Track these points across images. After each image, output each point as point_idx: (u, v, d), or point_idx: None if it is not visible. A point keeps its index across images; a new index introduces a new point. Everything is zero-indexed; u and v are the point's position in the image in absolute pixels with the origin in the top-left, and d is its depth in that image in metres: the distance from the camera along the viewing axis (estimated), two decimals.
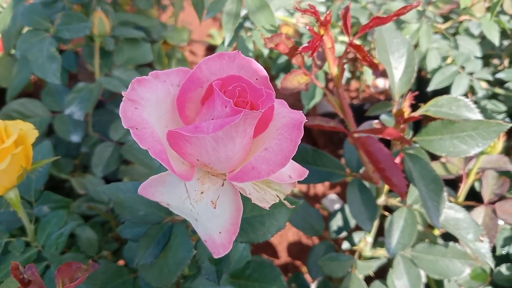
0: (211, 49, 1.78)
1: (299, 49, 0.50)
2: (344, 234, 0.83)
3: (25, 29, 0.86)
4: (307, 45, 0.48)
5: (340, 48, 0.88)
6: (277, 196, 0.37)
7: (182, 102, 0.35)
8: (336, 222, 0.83)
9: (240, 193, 0.36)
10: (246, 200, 0.36)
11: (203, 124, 0.31)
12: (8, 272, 0.56)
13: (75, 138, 0.88)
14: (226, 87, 0.33)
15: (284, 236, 1.21)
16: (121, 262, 0.76)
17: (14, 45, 0.87)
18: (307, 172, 0.39)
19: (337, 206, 1.24)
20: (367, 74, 1.07)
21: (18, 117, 0.86)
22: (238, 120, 0.30)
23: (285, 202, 0.38)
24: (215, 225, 0.35)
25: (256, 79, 0.35)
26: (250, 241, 0.45)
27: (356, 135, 0.56)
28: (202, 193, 0.35)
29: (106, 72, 0.92)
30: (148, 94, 0.34)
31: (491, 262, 0.62)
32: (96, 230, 0.73)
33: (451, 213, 0.62)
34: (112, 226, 0.78)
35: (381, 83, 1.44)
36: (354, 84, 1.45)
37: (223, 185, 0.36)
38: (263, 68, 0.35)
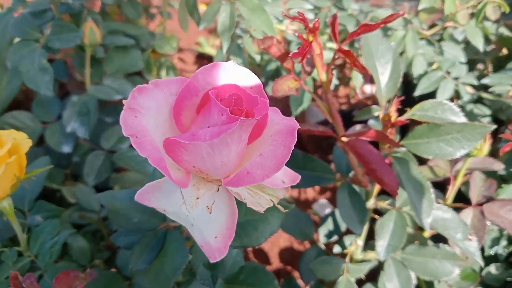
0: (200, 56, 1.79)
1: (290, 55, 0.51)
2: (335, 238, 0.84)
3: (15, 40, 0.86)
4: (297, 51, 0.49)
5: (328, 55, 0.89)
6: (271, 200, 0.38)
7: (178, 110, 0.35)
8: (327, 227, 0.84)
9: (235, 198, 0.36)
10: (239, 205, 0.37)
11: (200, 131, 0.31)
12: (1, 282, 0.56)
13: (66, 148, 0.88)
14: (222, 96, 0.34)
15: (276, 242, 1.21)
16: (112, 271, 0.76)
17: (4, 56, 0.87)
18: (299, 177, 0.40)
19: (327, 211, 1.25)
20: (356, 80, 1.09)
21: (9, 129, 0.86)
22: (234, 127, 0.31)
23: (279, 206, 0.39)
24: (211, 230, 0.36)
25: (251, 87, 0.36)
26: (244, 246, 0.45)
27: (345, 138, 0.57)
28: (197, 198, 0.36)
29: (96, 81, 0.92)
30: (148, 103, 0.34)
31: (480, 260, 0.63)
32: (87, 239, 0.73)
33: (439, 213, 0.63)
34: (104, 235, 0.79)
35: (368, 89, 1.46)
36: (342, 91, 1.47)
37: (218, 190, 0.37)
38: (257, 77, 0.36)
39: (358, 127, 0.66)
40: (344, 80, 1.30)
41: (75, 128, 0.85)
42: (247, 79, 0.36)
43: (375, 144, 0.58)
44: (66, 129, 0.85)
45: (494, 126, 0.55)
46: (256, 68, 1.26)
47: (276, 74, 1.02)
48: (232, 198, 0.36)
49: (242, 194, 0.36)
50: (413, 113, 0.59)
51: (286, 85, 0.55)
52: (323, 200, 1.29)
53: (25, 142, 0.53)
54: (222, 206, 0.36)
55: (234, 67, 0.36)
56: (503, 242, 0.79)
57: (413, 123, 0.61)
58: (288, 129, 0.34)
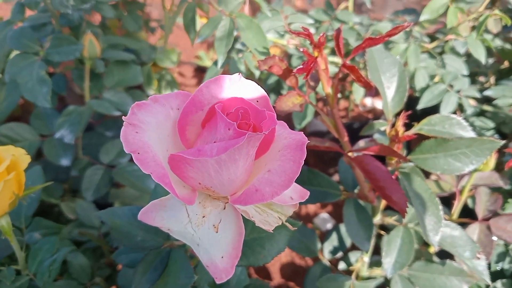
0: (199, 70, 1.78)
1: (293, 71, 0.50)
2: (340, 254, 0.82)
3: (13, 53, 0.85)
4: (301, 67, 0.48)
5: (331, 69, 0.88)
6: (279, 218, 0.37)
7: (183, 125, 0.34)
8: (332, 243, 0.83)
9: (241, 216, 0.35)
10: (245, 222, 0.36)
11: (206, 147, 0.30)
12: None
13: (65, 162, 0.87)
14: (228, 110, 0.33)
15: (277, 257, 1.19)
16: None
17: (1, 69, 0.86)
18: (308, 193, 0.39)
19: (329, 225, 1.24)
20: (356, 93, 1.09)
21: (7, 141, 0.84)
22: (242, 142, 0.30)
23: (287, 224, 0.38)
24: (217, 249, 0.35)
25: (257, 101, 0.35)
26: (251, 265, 0.44)
27: (351, 154, 0.56)
28: (203, 217, 0.35)
29: (96, 95, 0.91)
30: (148, 118, 0.33)
31: (488, 280, 0.62)
32: (88, 256, 0.71)
33: (447, 231, 0.62)
34: (104, 252, 0.77)
35: (369, 101, 1.46)
36: (342, 103, 1.46)
37: (224, 208, 0.35)
38: (263, 90, 0.35)
39: (363, 142, 0.65)
40: (344, 93, 1.29)
41: (63, 135, 0.84)
42: (253, 92, 0.35)
43: (381, 159, 0.57)
44: (55, 134, 0.84)
45: (503, 142, 0.54)
46: (256, 82, 1.26)
47: (277, 87, 1.01)
48: (239, 216, 0.35)
49: (250, 212, 0.35)
50: (420, 127, 0.58)
51: (290, 102, 0.54)
52: (324, 214, 1.27)
53: (23, 158, 0.51)
54: (229, 225, 0.35)
55: (239, 80, 0.35)
56: (509, 258, 0.78)
57: (419, 137, 0.60)
58: (297, 143, 0.33)
